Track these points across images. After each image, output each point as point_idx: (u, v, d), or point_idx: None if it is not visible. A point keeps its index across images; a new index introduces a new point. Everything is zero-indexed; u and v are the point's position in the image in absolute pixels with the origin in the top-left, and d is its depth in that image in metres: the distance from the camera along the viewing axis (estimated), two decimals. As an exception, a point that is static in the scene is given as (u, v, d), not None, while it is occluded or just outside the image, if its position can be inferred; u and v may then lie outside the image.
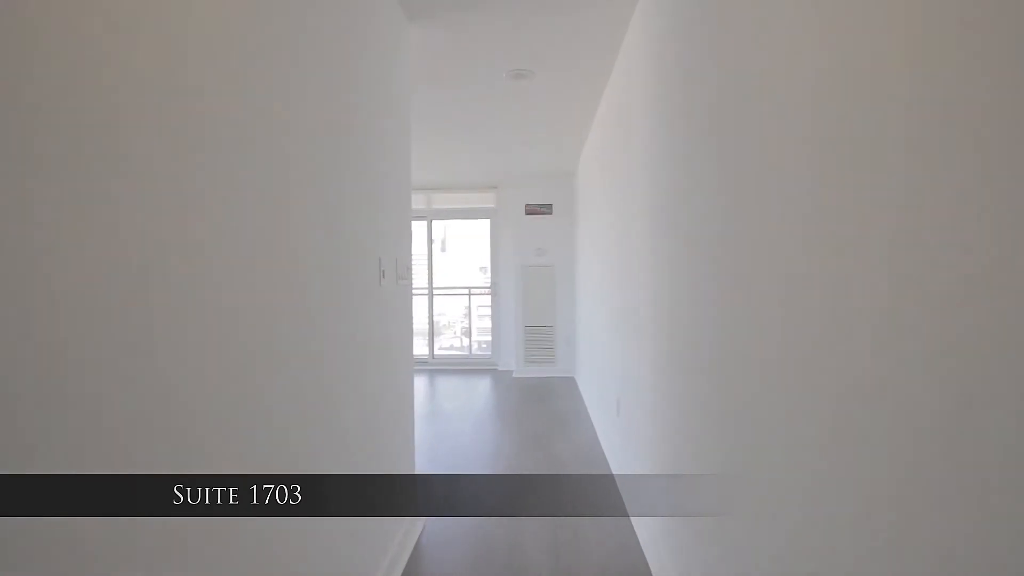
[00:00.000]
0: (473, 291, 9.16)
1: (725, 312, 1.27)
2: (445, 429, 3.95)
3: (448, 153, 5.04)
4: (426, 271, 6.85)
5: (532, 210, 6.04)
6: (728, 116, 1.24)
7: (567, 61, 2.88)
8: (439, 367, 6.72)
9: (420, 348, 8.19)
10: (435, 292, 6.98)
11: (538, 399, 4.96)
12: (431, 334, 6.86)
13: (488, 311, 6.91)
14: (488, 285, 6.82)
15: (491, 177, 6.14)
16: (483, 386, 5.67)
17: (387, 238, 2.00)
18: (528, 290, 6.05)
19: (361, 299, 1.64)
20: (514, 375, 6.08)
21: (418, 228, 6.70)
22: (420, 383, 5.88)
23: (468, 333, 8.85)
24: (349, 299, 1.52)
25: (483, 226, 6.83)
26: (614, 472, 2.92)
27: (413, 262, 2.53)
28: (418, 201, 6.70)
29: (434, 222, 6.82)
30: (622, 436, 2.76)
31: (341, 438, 1.45)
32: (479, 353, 7.81)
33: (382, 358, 1.88)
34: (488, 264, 6.92)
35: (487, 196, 6.61)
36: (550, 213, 6.03)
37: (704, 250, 1.44)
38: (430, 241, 6.80)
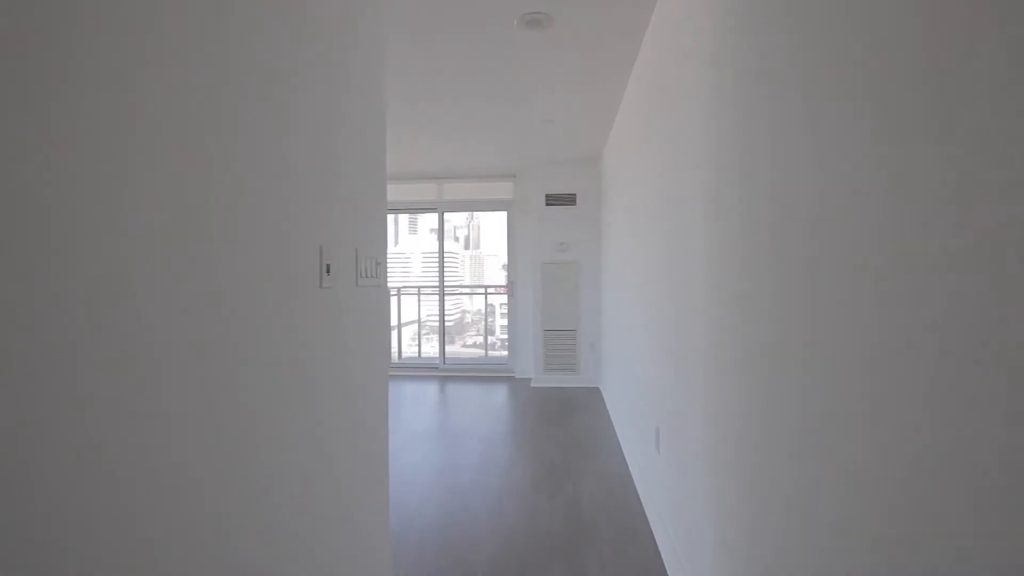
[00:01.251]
0: (491, 290, 8.60)
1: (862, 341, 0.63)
2: (447, 459, 3.35)
3: (460, 136, 4.44)
4: (437, 268, 6.28)
5: (554, 200, 5.40)
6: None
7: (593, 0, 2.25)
8: (451, 373, 6.15)
9: (430, 351, 7.67)
10: (446, 291, 6.40)
11: (558, 415, 4.33)
12: (441, 338, 6.29)
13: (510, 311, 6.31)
14: (504, 284, 6.21)
15: (508, 164, 5.52)
16: (497, 397, 5.07)
17: (340, 222, 1.41)
18: (548, 290, 5.42)
19: (278, 309, 1.04)
20: (532, 384, 5.46)
21: (428, 220, 6.13)
22: (428, 392, 5.31)
23: (485, 336, 8.29)
24: (243, 310, 0.92)
25: (500, 219, 6.22)
26: (657, 538, 2.28)
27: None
28: (428, 191, 6.13)
29: (449, 214, 6.23)
30: (666, 483, 2.12)
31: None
32: (495, 356, 7.22)
33: (328, 404, 1.28)
34: (505, 260, 6.32)
35: (504, 186, 6.00)
36: (573, 203, 5.38)
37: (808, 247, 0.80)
38: (441, 234, 6.22)
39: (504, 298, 7.26)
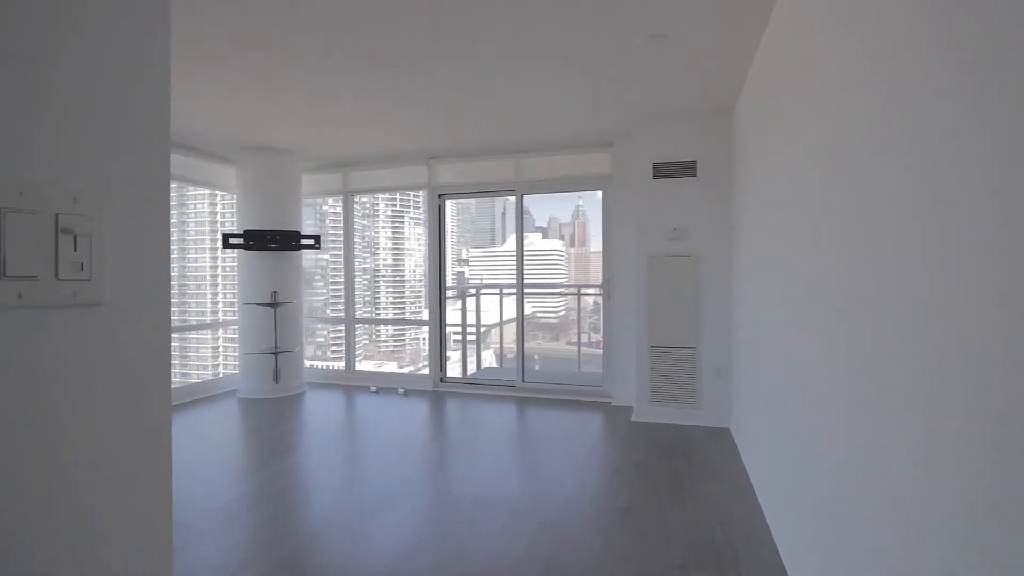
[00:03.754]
0: (583, 291, 7.31)
1: None
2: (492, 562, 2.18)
3: (533, 78, 3.24)
4: (516, 263, 5.12)
5: (664, 170, 3.99)
6: None
7: None
8: (531, 394, 4.97)
9: (507, 361, 6.58)
10: (526, 292, 5.22)
11: (671, 478, 2.97)
12: (520, 351, 5.12)
13: (611, 317, 5.03)
14: (599, 283, 4.89)
15: (603, 127, 4.20)
16: (587, 437, 3.79)
17: None
18: (657, 292, 4.03)
19: None
20: (635, 418, 4.11)
21: (502, 205, 5.00)
22: (496, 421, 4.18)
23: (579, 344, 7.01)
24: None
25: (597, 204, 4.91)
26: None
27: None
28: (503, 171, 4.99)
29: (526, 197, 5.05)
30: None
31: None
32: (590, 373, 5.93)
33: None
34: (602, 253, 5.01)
35: (599, 158, 4.68)
36: (692, 174, 3.93)
37: None
38: (520, 222, 5.05)
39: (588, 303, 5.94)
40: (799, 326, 1.92)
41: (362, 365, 8.05)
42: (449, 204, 5.50)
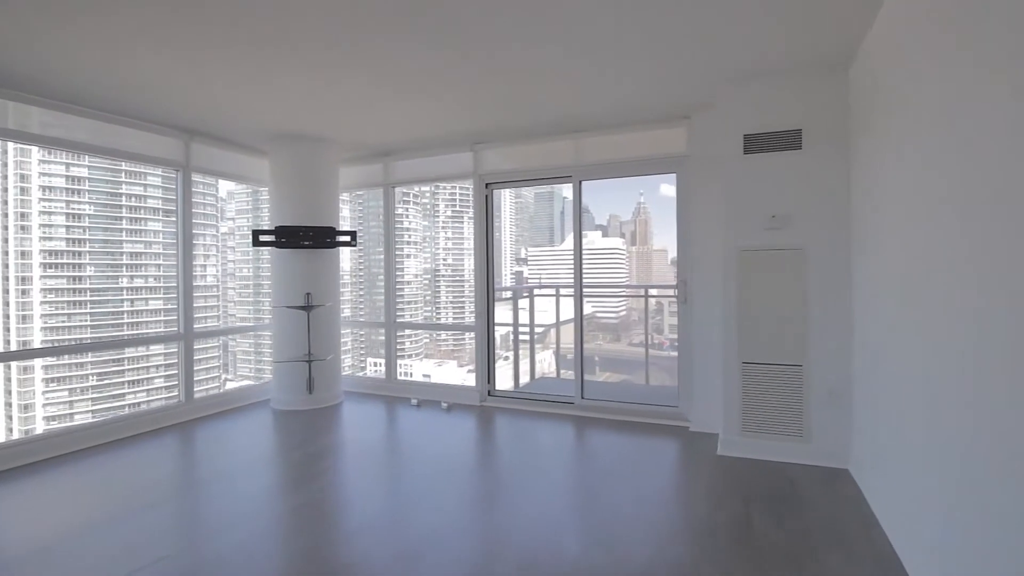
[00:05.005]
0: (653, 293, 6.57)
1: None
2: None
3: (604, 57, 2.57)
4: (574, 261, 4.46)
5: (759, 143, 3.20)
6: None
7: None
8: (592, 413, 4.29)
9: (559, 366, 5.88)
10: (584, 292, 4.54)
11: (780, 545, 2.21)
12: (579, 363, 4.44)
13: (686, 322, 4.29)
14: (670, 285, 4.13)
15: (677, 96, 3.46)
16: (661, 476, 3.08)
17: None
18: (751, 295, 3.25)
19: None
20: (721, 451, 3.34)
21: (560, 204, 4.36)
22: (557, 443, 3.53)
23: (647, 352, 6.23)
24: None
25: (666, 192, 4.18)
26: None
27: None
28: (559, 154, 4.33)
29: (585, 191, 4.37)
30: None
31: None
32: (661, 389, 5.18)
33: None
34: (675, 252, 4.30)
35: (672, 135, 3.93)
36: (796, 147, 3.12)
37: None
38: (578, 211, 4.37)
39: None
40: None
41: (421, 366, 7.60)
42: (507, 202, 4.92)
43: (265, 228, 4.55)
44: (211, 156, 4.45)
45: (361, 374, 6.29)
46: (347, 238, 4.70)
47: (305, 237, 4.47)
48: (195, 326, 4.31)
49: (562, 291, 5.83)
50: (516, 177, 4.60)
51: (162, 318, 5.26)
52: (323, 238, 4.55)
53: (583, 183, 4.32)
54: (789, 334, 3.17)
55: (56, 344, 4.82)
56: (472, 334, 4.85)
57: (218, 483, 2.97)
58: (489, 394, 4.77)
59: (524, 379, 5.80)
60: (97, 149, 3.74)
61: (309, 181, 4.61)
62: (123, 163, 4.90)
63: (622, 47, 2.73)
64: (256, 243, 4.41)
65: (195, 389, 4.32)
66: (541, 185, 4.55)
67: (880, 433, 2.46)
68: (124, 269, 5.35)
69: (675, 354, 4.18)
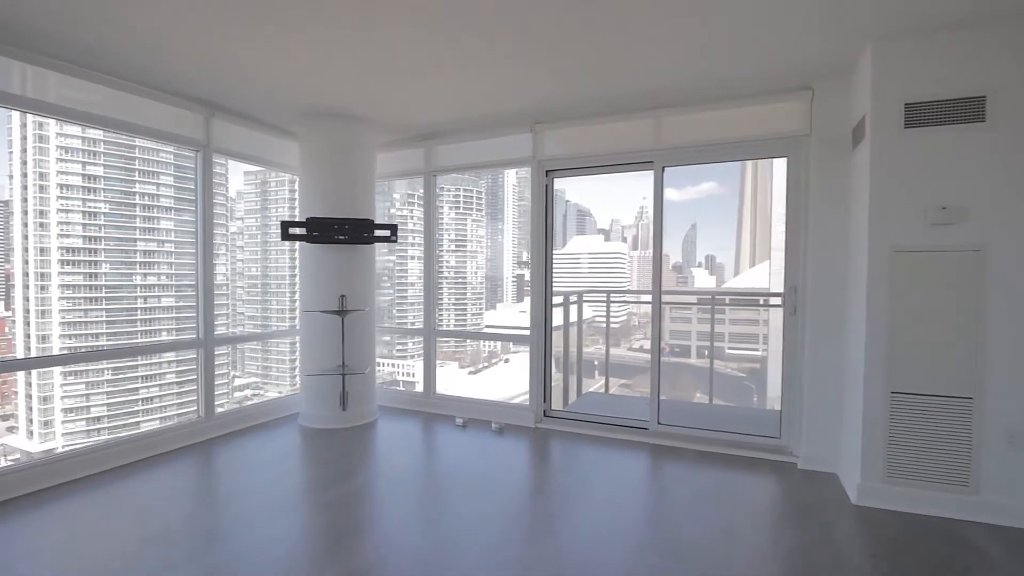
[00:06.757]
0: (765, 301, 5.91)
1: None
2: None
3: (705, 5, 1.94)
4: (643, 262, 3.82)
5: (928, 113, 2.52)
6: None
7: None
8: (669, 442, 3.65)
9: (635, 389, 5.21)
10: (663, 301, 3.88)
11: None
12: (655, 380, 3.79)
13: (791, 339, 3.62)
14: (780, 293, 3.46)
15: (798, 65, 2.80)
16: (791, 536, 2.42)
17: None
18: (904, 307, 2.58)
19: None
20: (856, 500, 2.68)
21: (639, 181, 3.78)
22: (630, 481, 2.90)
23: (711, 375, 5.55)
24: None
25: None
26: None
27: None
28: (637, 136, 3.69)
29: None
30: None
31: None
32: (749, 414, 4.52)
33: None
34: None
35: (786, 110, 3.26)
36: (980, 119, 2.43)
37: None
38: (659, 204, 3.72)
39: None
40: None
41: (419, 366, 6.99)
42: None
43: (294, 220, 3.97)
44: (235, 135, 3.88)
45: (396, 388, 5.71)
46: (386, 232, 4.10)
47: (340, 231, 3.89)
48: (214, 332, 3.75)
49: (642, 297, 5.17)
50: (583, 163, 3.96)
51: (175, 325, 4.73)
52: (360, 232, 3.96)
53: (665, 169, 3.66)
54: (956, 359, 2.49)
55: (72, 352, 4.33)
56: (523, 346, 4.22)
57: (236, 538, 2.38)
58: (545, 414, 4.15)
59: (572, 396, 5.16)
60: (113, 122, 3.18)
61: (344, 167, 4.03)
62: (135, 162, 4.41)
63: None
64: (285, 236, 3.84)
65: (215, 403, 3.76)
66: (613, 173, 3.90)
67: None
68: (137, 267, 4.85)
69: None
